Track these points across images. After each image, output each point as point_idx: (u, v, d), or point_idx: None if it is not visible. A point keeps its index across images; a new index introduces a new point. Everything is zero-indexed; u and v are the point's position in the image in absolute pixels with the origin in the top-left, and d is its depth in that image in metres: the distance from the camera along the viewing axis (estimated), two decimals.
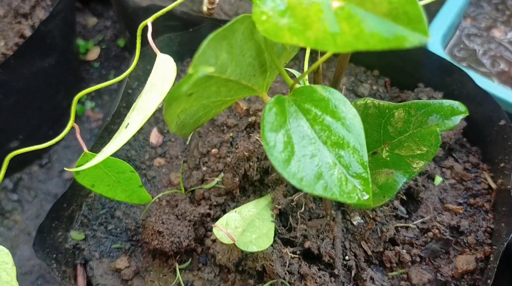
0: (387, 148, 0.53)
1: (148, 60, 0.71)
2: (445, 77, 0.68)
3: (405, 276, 0.57)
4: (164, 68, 0.42)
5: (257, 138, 0.63)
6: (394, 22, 0.27)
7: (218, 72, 0.36)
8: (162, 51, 0.69)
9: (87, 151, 0.51)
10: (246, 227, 0.55)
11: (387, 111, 0.53)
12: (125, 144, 0.65)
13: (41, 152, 0.91)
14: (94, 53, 1.04)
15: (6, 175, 0.88)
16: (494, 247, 0.58)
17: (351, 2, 0.29)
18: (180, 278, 0.57)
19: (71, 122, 0.51)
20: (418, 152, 0.52)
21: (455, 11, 0.92)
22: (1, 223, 0.84)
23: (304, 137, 0.38)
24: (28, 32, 0.83)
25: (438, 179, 0.65)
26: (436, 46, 0.94)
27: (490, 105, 0.64)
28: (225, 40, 0.34)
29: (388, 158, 0.53)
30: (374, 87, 0.73)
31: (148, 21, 0.45)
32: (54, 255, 0.57)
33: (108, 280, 0.59)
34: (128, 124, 0.41)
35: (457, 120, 0.51)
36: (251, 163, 0.61)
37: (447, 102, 0.51)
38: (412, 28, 0.27)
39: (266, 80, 0.44)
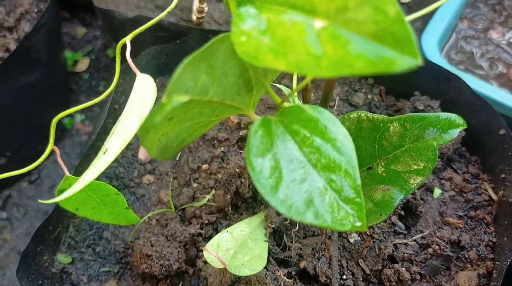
0: (382, 163, 0.51)
1: (134, 74, 0.68)
2: (441, 85, 0.66)
3: None
4: (144, 89, 0.40)
5: None
6: (380, 44, 0.25)
7: (198, 95, 0.34)
8: (149, 63, 0.67)
9: (69, 175, 0.49)
10: (238, 248, 0.53)
11: (381, 125, 0.51)
12: (113, 162, 0.63)
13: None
14: (83, 64, 1.01)
15: None
16: (497, 262, 0.56)
17: (335, 22, 0.27)
18: None
19: (50, 145, 0.48)
20: (415, 167, 0.50)
21: (451, 13, 0.90)
22: None
23: (292, 160, 0.35)
24: (13, 46, 0.81)
25: (437, 192, 0.62)
26: (432, 49, 0.92)
27: (489, 113, 0.61)
28: (204, 62, 0.32)
29: (384, 174, 0.51)
30: (369, 96, 0.70)
31: (127, 39, 0.43)
32: (40, 281, 0.55)
33: None
34: (106, 149, 0.38)
35: (455, 133, 0.49)
36: (242, 180, 0.59)
37: (444, 114, 0.49)
38: (400, 51, 0.25)
39: (253, 98, 0.41)
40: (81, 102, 0.98)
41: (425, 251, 0.57)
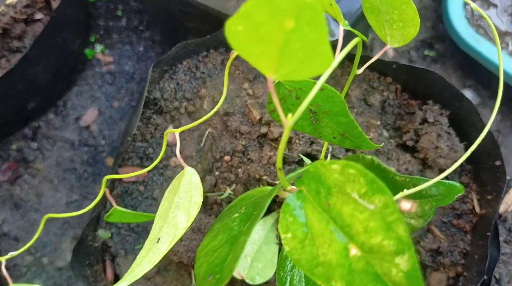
0: None
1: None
2: (454, 102, 0.70)
3: None
4: (191, 185, 0.45)
5: (269, 155, 0.68)
6: None
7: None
8: (180, 57, 0.69)
9: (117, 207, 0.56)
10: (255, 255, 0.63)
11: (390, 176, 0.57)
12: (142, 141, 0.69)
13: (56, 99, 0.94)
14: None
15: (26, 124, 0.92)
16: (466, 267, 0.68)
17: (368, 256, 0.33)
18: (194, 282, 0.68)
19: (98, 198, 0.54)
20: (413, 216, 0.58)
21: None
22: (25, 171, 0.91)
23: None
24: None
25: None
26: (459, 17, 0.92)
27: (491, 142, 0.67)
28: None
29: None
30: (385, 94, 0.74)
31: (176, 133, 0.47)
32: (87, 261, 0.66)
33: None
34: (159, 239, 0.46)
35: (453, 198, 0.56)
36: (261, 185, 0.66)
37: (447, 182, 0.56)
38: None
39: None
40: (99, 27, 0.98)
41: None
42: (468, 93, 1.02)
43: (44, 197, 0.91)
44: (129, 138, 0.65)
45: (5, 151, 0.92)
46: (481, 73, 1.01)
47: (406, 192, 0.42)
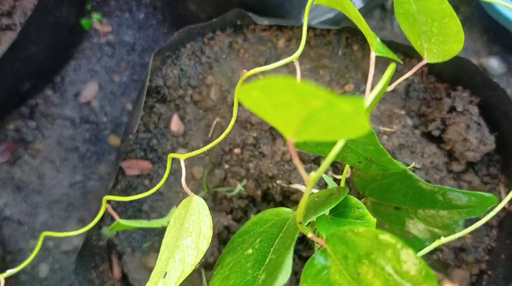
0: (410, 210, 0.55)
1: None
2: (486, 90, 0.63)
3: None
4: (199, 220, 0.41)
5: (282, 150, 0.63)
6: None
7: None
8: (183, 40, 0.62)
9: (120, 221, 0.52)
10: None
11: (417, 184, 0.52)
12: (145, 131, 0.65)
13: (53, 75, 0.88)
14: None
15: (22, 102, 0.87)
16: (490, 265, 0.64)
17: None
18: (205, 281, 0.65)
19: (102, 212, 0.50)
20: (436, 229, 0.54)
21: None
22: (25, 152, 0.87)
23: None
24: None
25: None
26: None
27: None
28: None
29: (410, 222, 0.55)
30: (410, 77, 0.68)
31: (181, 159, 0.41)
32: (93, 263, 0.63)
33: (142, 274, 0.66)
34: (165, 273, 0.42)
35: (485, 210, 0.51)
36: (274, 184, 0.62)
37: (479, 193, 0.51)
38: None
39: None
40: None
41: (428, 258, 0.65)
42: (494, 61, 0.95)
43: (46, 179, 0.87)
44: (131, 136, 0.60)
45: (2, 131, 0.87)
46: (509, 39, 0.93)
47: (443, 240, 0.37)
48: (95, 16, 0.89)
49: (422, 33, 0.38)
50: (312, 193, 0.50)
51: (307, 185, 0.31)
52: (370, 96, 0.28)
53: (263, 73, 0.67)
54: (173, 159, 0.66)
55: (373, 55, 0.33)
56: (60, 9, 0.81)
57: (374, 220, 0.37)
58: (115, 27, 0.91)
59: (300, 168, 0.29)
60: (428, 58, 0.38)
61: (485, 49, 0.96)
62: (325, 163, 0.29)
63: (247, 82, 0.65)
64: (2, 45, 0.74)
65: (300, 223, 0.32)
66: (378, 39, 0.35)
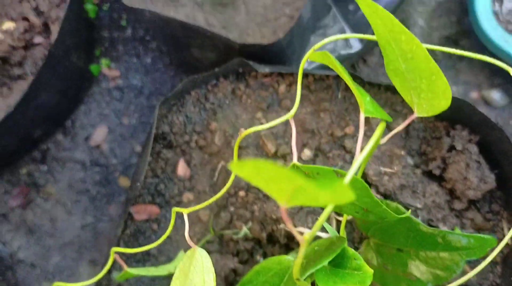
0: (411, 252, 0.56)
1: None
2: (484, 129, 0.64)
3: None
4: (203, 273, 0.42)
5: None
6: None
7: None
8: (188, 88, 0.65)
9: (128, 270, 0.54)
10: None
11: (417, 227, 0.53)
12: (153, 176, 0.67)
13: (63, 119, 0.91)
14: None
15: (34, 147, 0.90)
16: None
17: None
18: None
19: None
20: (439, 271, 0.54)
21: None
22: (37, 195, 0.89)
23: None
24: (32, 17, 0.75)
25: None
26: (486, 16, 0.85)
27: None
28: None
29: (411, 263, 0.56)
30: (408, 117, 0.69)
31: (185, 213, 0.43)
32: None
33: None
34: None
35: (486, 251, 0.52)
36: (278, 226, 0.63)
37: (478, 235, 0.52)
38: None
39: None
40: (104, 39, 0.94)
41: None
42: (496, 93, 0.96)
43: (58, 221, 0.89)
44: (139, 183, 0.62)
45: (15, 175, 0.90)
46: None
47: None
48: (104, 61, 0.92)
49: (412, 89, 0.39)
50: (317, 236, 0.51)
51: (301, 245, 0.32)
52: (359, 158, 0.30)
53: (264, 115, 0.69)
54: (179, 203, 0.68)
55: (362, 116, 0.35)
56: (70, 57, 0.84)
57: (371, 271, 0.38)
58: (123, 72, 0.94)
59: (294, 230, 0.31)
60: (419, 112, 0.40)
61: (486, 82, 0.97)
62: (318, 224, 0.31)
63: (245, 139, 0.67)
64: (14, 95, 0.77)
65: (298, 279, 0.34)
66: (368, 98, 0.37)
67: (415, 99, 0.40)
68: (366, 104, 0.36)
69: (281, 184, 0.24)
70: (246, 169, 0.24)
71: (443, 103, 0.38)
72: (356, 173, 0.37)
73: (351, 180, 0.38)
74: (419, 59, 0.37)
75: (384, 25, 0.35)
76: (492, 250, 0.55)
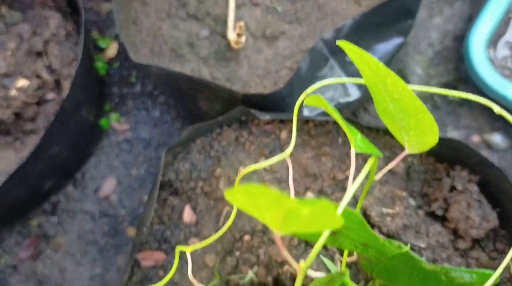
0: None
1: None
2: (484, 169, 0.66)
3: None
4: None
5: (290, 236, 0.65)
6: None
7: None
8: (193, 136, 0.67)
9: None
10: None
11: (419, 265, 0.54)
12: (160, 223, 0.68)
13: (74, 172, 0.94)
14: (112, 50, 0.98)
15: (45, 199, 0.92)
16: None
17: None
18: None
19: None
20: None
21: (498, 15, 0.84)
22: (47, 246, 0.91)
23: None
24: (45, 74, 0.79)
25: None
26: (481, 62, 0.88)
27: None
28: None
29: None
30: (409, 159, 0.71)
31: (187, 252, 0.45)
32: None
33: None
34: None
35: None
36: (284, 269, 0.64)
37: (480, 271, 0.52)
38: None
39: None
40: (114, 95, 0.98)
41: None
42: (497, 137, 0.98)
43: (67, 272, 0.90)
44: (145, 229, 0.63)
45: (26, 227, 0.91)
46: (510, 115, 0.97)
47: None
48: (114, 116, 0.96)
49: (402, 128, 0.41)
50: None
51: (297, 274, 0.34)
52: (349, 193, 0.32)
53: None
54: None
55: (353, 151, 0.37)
56: (80, 112, 0.88)
57: None
58: (132, 125, 0.97)
59: (290, 259, 0.32)
60: (410, 149, 0.42)
61: (487, 126, 0.99)
62: (313, 253, 0.32)
63: (246, 179, 0.69)
64: (26, 148, 0.80)
65: None
66: (359, 136, 0.39)
67: (405, 137, 0.42)
68: (356, 140, 0.38)
69: (273, 209, 0.26)
70: (238, 195, 0.26)
71: (431, 139, 0.40)
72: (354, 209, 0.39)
73: (347, 213, 0.40)
74: (405, 99, 0.39)
75: (370, 69, 0.38)
76: None
